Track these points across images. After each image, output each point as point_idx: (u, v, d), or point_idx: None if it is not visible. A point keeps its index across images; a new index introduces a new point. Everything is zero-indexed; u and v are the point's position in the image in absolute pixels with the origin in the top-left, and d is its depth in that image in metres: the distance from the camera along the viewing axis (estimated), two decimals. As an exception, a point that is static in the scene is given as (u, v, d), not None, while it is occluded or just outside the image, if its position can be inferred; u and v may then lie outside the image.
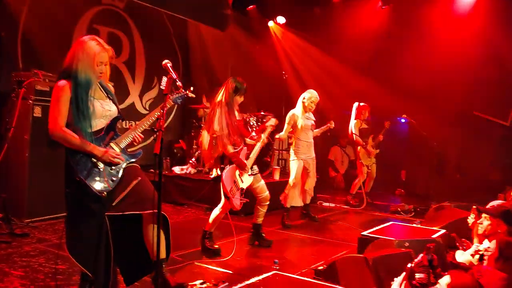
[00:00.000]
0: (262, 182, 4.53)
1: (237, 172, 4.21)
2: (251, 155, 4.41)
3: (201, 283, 3.15)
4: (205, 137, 4.39)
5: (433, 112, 8.04)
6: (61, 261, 3.62)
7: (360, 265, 3.08)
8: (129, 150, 2.93)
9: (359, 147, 7.30)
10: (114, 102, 2.92)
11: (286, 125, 5.66)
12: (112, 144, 2.81)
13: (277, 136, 5.83)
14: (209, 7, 8.57)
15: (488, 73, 7.57)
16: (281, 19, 9.75)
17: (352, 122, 7.26)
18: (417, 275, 2.69)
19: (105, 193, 2.69)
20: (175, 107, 9.11)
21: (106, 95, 2.90)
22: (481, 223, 3.39)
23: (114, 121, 2.86)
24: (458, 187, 7.89)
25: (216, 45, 9.50)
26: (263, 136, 4.59)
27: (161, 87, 2.76)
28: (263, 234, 4.64)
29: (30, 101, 4.94)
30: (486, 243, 3.21)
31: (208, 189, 6.28)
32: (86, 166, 2.68)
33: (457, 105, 8.15)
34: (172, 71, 2.72)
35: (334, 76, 8.99)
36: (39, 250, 4.08)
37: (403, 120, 8.37)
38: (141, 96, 8.58)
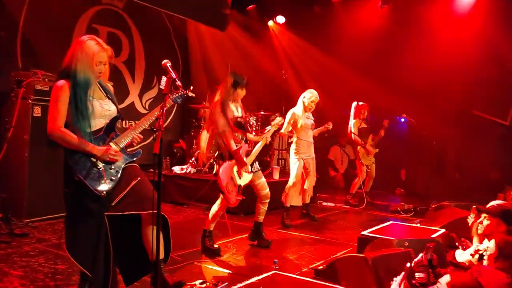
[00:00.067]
0: (263, 179, 4.52)
1: (235, 169, 4.21)
2: (252, 152, 4.41)
3: (201, 283, 3.14)
4: (203, 138, 4.40)
5: (433, 112, 8.04)
6: (60, 261, 3.62)
7: (360, 264, 3.08)
8: (128, 150, 2.93)
9: (358, 147, 7.30)
10: (113, 102, 2.92)
11: (285, 124, 5.66)
12: (111, 144, 2.81)
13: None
14: (209, 6, 8.57)
15: (488, 73, 7.56)
16: (280, 19, 9.75)
17: (351, 121, 7.27)
18: (417, 275, 2.69)
19: (104, 193, 2.69)
20: (175, 107, 9.12)
21: (105, 94, 2.89)
22: (481, 223, 3.40)
23: (113, 120, 2.86)
24: (458, 187, 7.89)
25: (215, 45, 9.50)
26: (267, 134, 4.59)
27: (160, 86, 2.76)
28: (263, 234, 4.64)
29: (30, 101, 4.94)
30: (486, 243, 3.22)
31: (208, 189, 6.28)
32: (85, 166, 2.68)
33: (457, 105, 8.16)
34: (171, 70, 2.71)
35: (334, 75, 8.99)
36: (38, 250, 4.07)
37: (402, 120, 8.38)
38: (140, 96, 8.59)
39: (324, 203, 7.37)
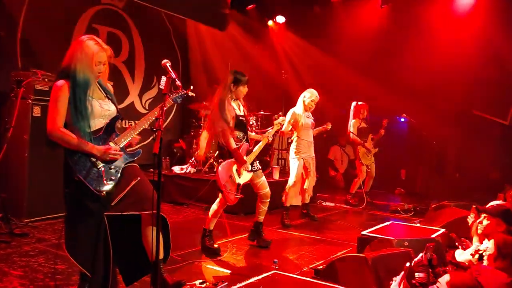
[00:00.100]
0: (263, 178, 4.52)
1: (234, 167, 4.21)
2: (254, 150, 4.40)
3: (201, 283, 3.14)
4: (202, 138, 4.40)
5: (433, 112, 8.04)
6: (60, 261, 3.62)
7: (360, 264, 3.08)
8: (128, 149, 2.93)
9: (359, 147, 7.30)
10: (113, 102, 2.91)
11: (286, 123, 5.65)
12: (111, 144, 2.80)
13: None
14: (208, 6, 8.57)
15: (488, 73, 7.56)
16: (280, 19, 9.75)
17: (351, 121, 7.27)
18: (417, 275, 2.69)
19: (104, 192, 2.69)
20: (175, 107, 9.12)
21: (105, 94, 2.89)
22: (481, 223, 3.40)
23: (113, 120, 2.86)
24: (458, 186, 7.89)
25: (215, 45, 9.51)
26: (269, 133, 4.59)
27: (160, 86, 2.76)
28: (263, 234, 4.63)
29: (29, 101, 4.94)
30: (486, 243, 3.21)
31: (208, 189, 6.28)
32: (85, 165, 2.68)
33: (457, 105, 8.16)
34: (171, 70, 2.71)
35: (334, 75, 8.99)
36: (38, 250, 4.07)
37: (402, 120, 8.37)
38: (140, 96, 8.59)
39: (324, 203, 7.37)
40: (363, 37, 8.51)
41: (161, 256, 2.89)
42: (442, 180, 8.35)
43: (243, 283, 2.76)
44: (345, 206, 7.23)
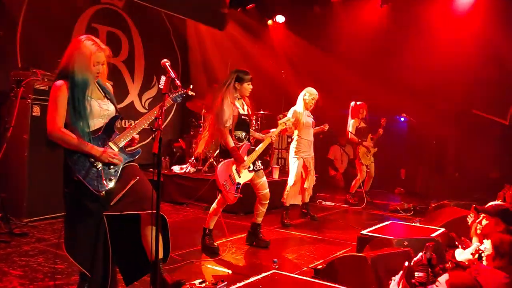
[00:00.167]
0: (264, 178, 4.51)
1: (234, 166, 4.21)
2: (255, 150, 4.39)
3: (200, 282, 3.14)
4: (204, 136, 4.40)
5: (432, 111, 8.04)
6: (60, 261, 3.62)
7: (360, 264, 3.08)
8: (127, 149, 2.92)
9: (359, 146, 7.30)
10: (112, 102, 2.91)
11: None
12: (110, 144, 2.80)
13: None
14: (207, 6, 8.57)
15: (488, 72, 7.56)
16: (280, 18, 9.74)
17: (350, 121, 7.26)
18: (416, 274, 2.69)
19: (103, 192, 2.68)
20: (175, 107, 9.13)
21: (104, 94, 2.89)
22: (480, 223, 3.40)
23: (112, 120, 2.85)
24: (458, 186, 7.89)
25: (215, 44, 9.51)
26: (273, 133, 4.58)
27: (159, 86, 2.76)
28: (261, 235, 4.62)
29: (29, 100, 4.94)
30: (486, 243, 3.21)
31: (207, 188, 6.28)
32: (84, 165, 2.68)
33: (457, 104, 8.15)
34: (170, 70, 2.70)
35: (334, 75, 8.98)
36: (38, 249, 4.07)
37: (402, 119, 8.37)
38: (140, 95, 8.59)
39: (324, 203, 7.37)
40: (363, 37, 8.51)
41: (161, 255, 2.89)
42: (442, 180, 8.35)
43: (243, 283, 2.75)
44: (345, 205, 7.24)
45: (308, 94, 5.72)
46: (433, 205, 5.71)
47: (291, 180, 5.73)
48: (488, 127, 8.01)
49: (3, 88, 5.40)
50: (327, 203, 7.36)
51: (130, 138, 2.89)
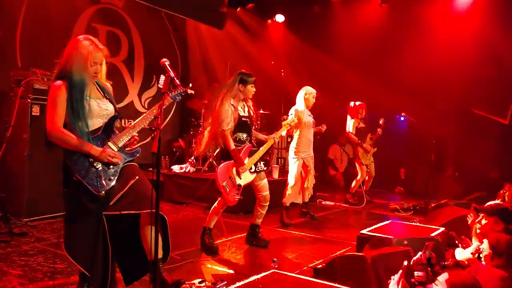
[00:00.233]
0: (265, 180, 4.50)
1: (235, 168, 4.20)
2: (258, 151, 4.37)
3: (200, 282, 3.13)
4: (204, 136, 4.39)
5: (432, 110, 8.04)
6: (59, 260, 3.62)
7: (359, 263, 3.08)
8: (126, 149, 2.92)
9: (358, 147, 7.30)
10: (111, 101, 2.91)
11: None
12: (109, 143, 2.80)
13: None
14: (206, 5, 8.57)
15: (487, 71, 7.57)
16: (280, 18, 9.74)
17: (349, 121, 7.26)
18: (416, 273, 2.69)
19: (103, 192, 2.68)
20: (174, 106, 9.11)
21: (103, 94, 2.89)
22: (479, 222, 3.40)
23: (111, 120, 2.85)
24: (457, 185, 7.89)
25: (215, 44, 9.51)
26: (277, 134, 4.58)
27: (159, 85, 2.76)
28: (260, 234, 4.62)
29: (29, 100, 4.93)
30: (484, 242, 3.22)
31: (207, 188, 6.27)
32: (84, 165, 2.68)
33: (456, 103, 8.15)
34: (170, 69, 2.70)
35: (333, 74, 8.98)
36: (37, 249, 4.07)
37: (402, 118, 8.37)
38: (140, 95, 8.59)
39: (324, 202, 7.37)
40: (362, 36, 8.51)
41: (160, 255, 2.89)
42: (441, 179, 8.35)
43: (242, 282, 2.75)
44: (345, 205, 7.24)
45: (309, 93, 5.72)
46: (433, 205, 5.71)
47: (291, 180, 5.73)
48: (488, 126, 8.01)
49: (2, 87, 5.40)
50: (327, 202, 7.36)
51: (129, 137, 2.88)
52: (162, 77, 2.71)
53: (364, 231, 4.01)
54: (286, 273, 3.12)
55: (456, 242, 3.70)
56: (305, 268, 3.90)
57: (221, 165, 4.16)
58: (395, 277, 2.73)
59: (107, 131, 2.83)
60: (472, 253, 3.33)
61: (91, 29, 7.31)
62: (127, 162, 2.88)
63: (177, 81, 2.73)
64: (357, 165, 7.37)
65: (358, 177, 7.26)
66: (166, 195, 6.72)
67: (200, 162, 7.38)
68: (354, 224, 5.77)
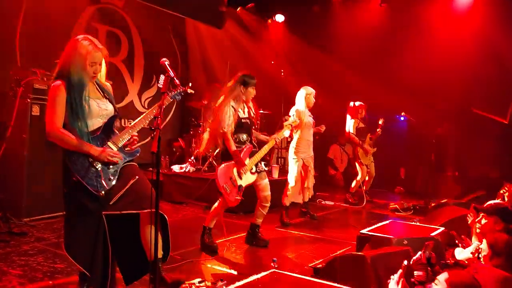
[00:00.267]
0: (266, 180, 4.50)
1: (235, 169, 4.20)
2: (259, 152, 4.37)
3: (200, 282, 3.14)
4: (205, 136, 4.39)
5: (432, 110, 8.04)
6: (59, 260, 3.63)
7: (359, 263, 3.08)
8: (126, 148, 2.92)
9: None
10: (111, 101, 2.90)
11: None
12: (109, 143, 2.80)
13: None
14: (206, 5, 8.57)
15: (487, 71, 7.57)
16: (280, 17, 9.74)
17: (349, 121, 7.26)
18: (416, 273, 2.69)
19: (102, 192, 2.68)
20: (174, 106, 9.11)
21: (102, 94, 2.89)
22: (479, 222, 3.40)
23: (111, 120, 2.85)
24: (457, 185, 7.89)
25: (214, 43, 9.51)
26: (278, 135, 4.57)
27: (158, 85, 2.76)
28: (260, 234, 4.62)
29: (28, 100, 4.93)
30: (484, 242, 3.22)
31: (207, 188, 6.28)
32: (83, 166, 2.68)
33: (456, 103, 8.15)
34: (169, 69, 2.70)
35: (333, 74, 8.98)
36: (37, 249, 4.06)
37: (402, 118, 8.37)
38: (140, 95, 8.59)
39: (324, 202, 7.37)
40: (362, 36, 8.51)
41: (160, 255, 2.89)
42: (441, 179, 8.35)
43: (242, 282, 2.76)
44: (345, 204, 7.23)
45: (309, 93, 5.73)
46: (433, 204, 5.72)
47: (291, 181, 5.73)
48: (488, 126, 8.01)
49: (2, 87, 5.39)
50: (327, 202, 7.36)
51: (129, 137, 2.88)
52: (162, 77, 2.72)
53: (364, 231, 4.01)
54: (286, 272, 3.12)
55: (456, 241, 3.70)
56: (305, 267, 3.89)
57: (222, 166, 4.15)
58: (395, 277, 2.73)
59: (106, 131, 2.82)
60: (472, 253, 3.33)
61: (91, 28, 7.31)
62: (127, 162, 2.88)
63: (176, 80, 2.74)
64: (357, 165, 7.37)
65: (359, 177, 7.25)
66: (166, 195, 6.72)
67: (200, 162, 7.38)
68: (354, 224, 5.77)
